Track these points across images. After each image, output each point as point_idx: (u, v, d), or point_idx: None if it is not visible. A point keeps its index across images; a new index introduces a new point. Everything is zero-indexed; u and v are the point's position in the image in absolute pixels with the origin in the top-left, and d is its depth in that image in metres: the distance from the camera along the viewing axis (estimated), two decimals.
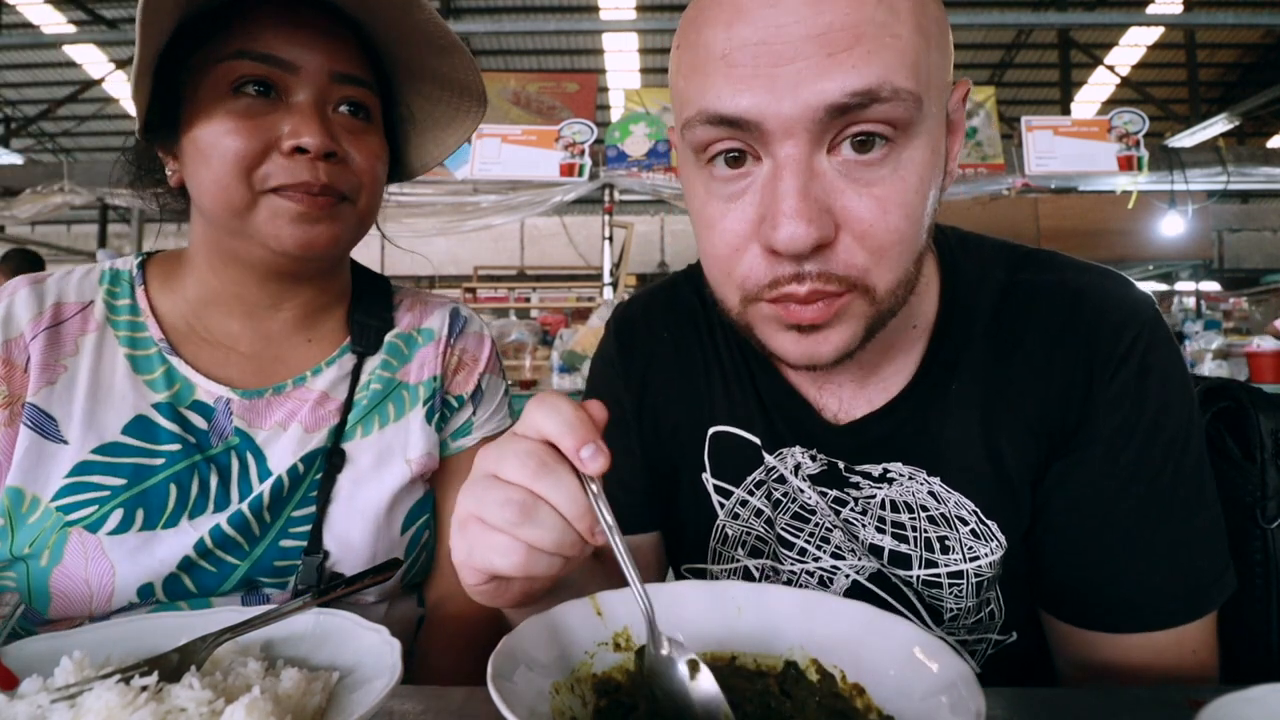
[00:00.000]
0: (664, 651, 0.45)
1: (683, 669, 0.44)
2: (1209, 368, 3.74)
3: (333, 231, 0.70)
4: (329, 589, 0.68)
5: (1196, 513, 0.60)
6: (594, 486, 0.45)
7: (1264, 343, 3.43)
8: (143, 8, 0.58)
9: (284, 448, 0.73)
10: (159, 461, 0.69)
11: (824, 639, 0.50)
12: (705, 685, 0.43)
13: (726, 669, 0.49)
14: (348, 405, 0.77)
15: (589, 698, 0.46)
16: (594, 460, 0.44)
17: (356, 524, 0.73)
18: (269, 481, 0.71)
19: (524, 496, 0.44)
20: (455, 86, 0.77)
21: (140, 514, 0.67)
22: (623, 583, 0.47)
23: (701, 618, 0.52)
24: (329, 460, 0.74)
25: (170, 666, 0.49)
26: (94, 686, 0.44)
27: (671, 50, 0.57)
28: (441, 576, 0.81)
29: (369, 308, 0.83)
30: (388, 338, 0.82)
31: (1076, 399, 0.60)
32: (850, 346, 0.55)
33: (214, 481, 0.70)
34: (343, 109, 0.70)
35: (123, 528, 0.66)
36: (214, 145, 0.65)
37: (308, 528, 0.71)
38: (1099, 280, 0.63)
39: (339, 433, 0.75)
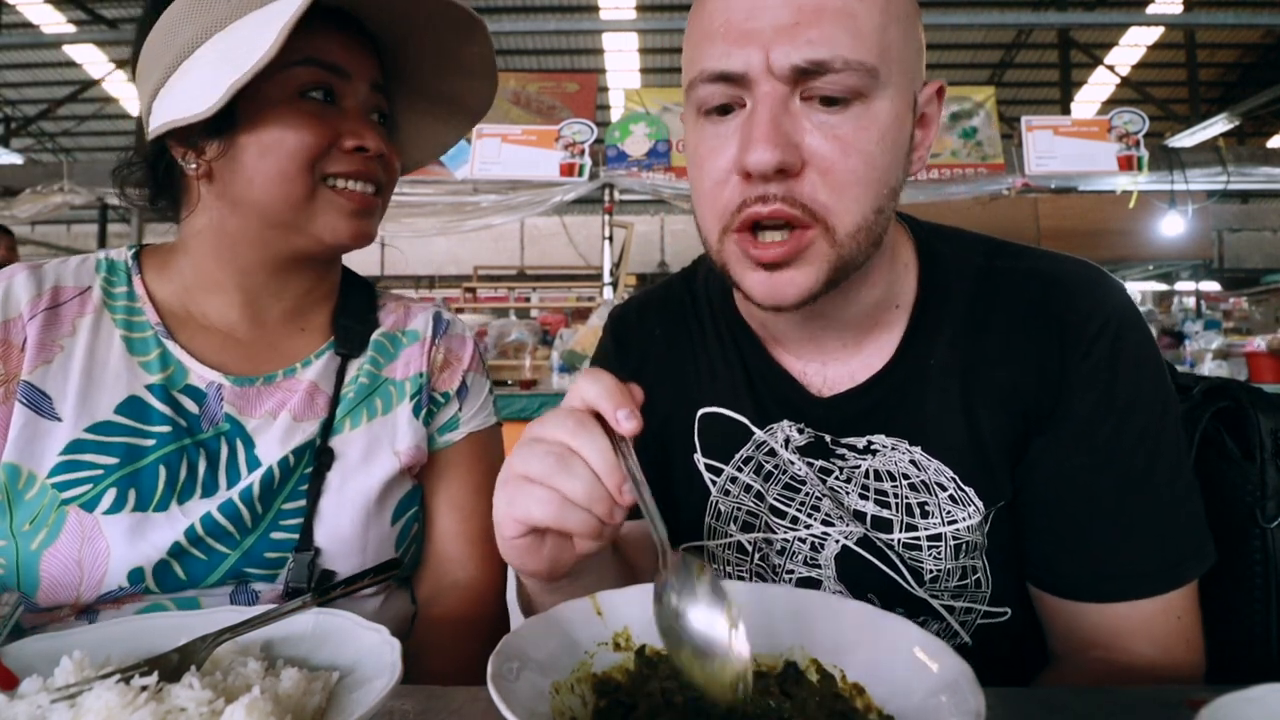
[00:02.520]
0: (673, 571, 0.47)
1: (690, 574, 0.46)
2: (1209, 368, 3.74)
3: (372, 225, 0.78)
4: (329, 589, 0.68)
5: (1173, 490, 0.62)
6: (625, 448, 0.49)
7: (1263, 342, 3.43)
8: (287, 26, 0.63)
9: (273, 436, 0.74)
10: (150, 443, 0.70)
11: (824, 639, 0.50)
12: (710, 585, 0.45)
13: None
14: (335, 399, 0.78)
15: (589, 698, 0.46)
16: (628, 421, 0.49)
17: (347, 515, 0.73)
18: (258, 472, 0.72)
19: (560, 449, 0.49)
20: (456, 104, 0.83)
21: (133, 494, 0.68)
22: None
23: None
24: (318, 458, 0.75)
25: (170, 666, 0.49)
26: (94, 686, 0.44)
27: (685, 32, 0.64)
28: (431, 573, 0.82)
29: (354, 311, 0.85)
30: (373, 337, 0.84)
31: (1051, 380, 0.64)
32: (813, 289, 0.60)
33: (202, 466, 0.71)
34: (374, 115, 0.77)
35: (116, 507, 0.67)
36: (281, 140, 0.70)
37: (298, 520, 0.72)
38: (1072, 268, 0.67)
39: (328, 427, 0.76)
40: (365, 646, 0.51)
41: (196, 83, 0.67)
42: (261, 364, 0.78)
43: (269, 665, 0.51)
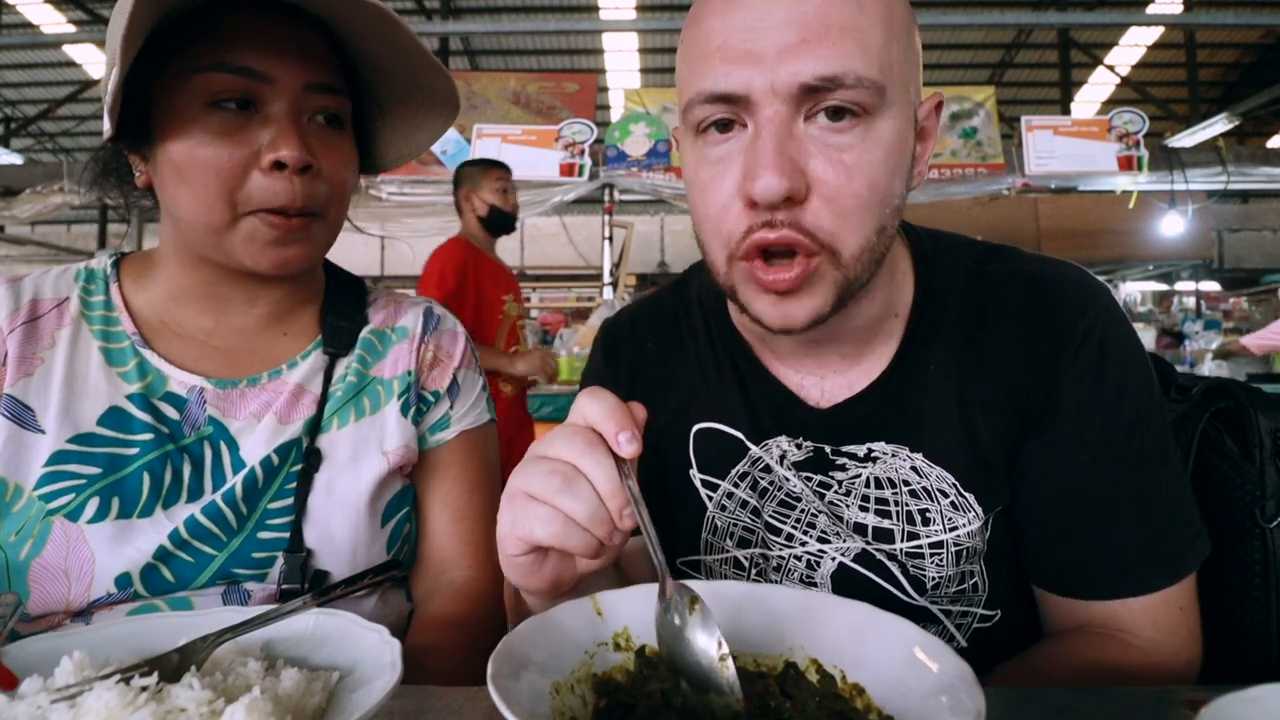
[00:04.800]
0: (671, 600, 0.47)
1: (684, 607, 0.46)
2: (1209, 368, 3.74)
3: (306, 250, 0.73)
4: (328, 590, 0.68)
5: (1164, 482, 0.63)
6: (627, 470, 0.49)
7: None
8: (129, 20, 0.58)
9: (258, 438, 0.73)
10: (133, 451, 0.70)
11: (824, 639, 0.50)
12: (702, 621, 0.45)
13: None
14: (323, 399, 0.77)
15: (589, 698, 0.46)
16: (629, 444, 0.49)
17: (336, 516, 0.73)
18: (242, 472, 0.71)
19: (566, 469, 0.49)
20: (428, 92, 0.77)
21: (116, 502, 0.68)
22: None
23: None
24: (306, 458, 0.74)
25: (170, 666, 0.49)
26: (94, 686, 0.44)
27: (678, 48, 0.63)
28: (427, 572, 0.81)
29: (341, 309, 0.83)
30: (361, 334, 0.82)
31: (1042, 377, 0.65)
32: (822, 312, 0.60)
33: (187, 470, 0.71)
34: (318, 118, 0.71)
35: (99, 516, 0.67)
36: (193, 163, 0.66)
37: (285, 520, 0.72)
38: (1058, 269, 0.68)
39: (315, 426, 0.76)
40: (365, 647, 0.51)
41: (108, 94, 0.65)
42: (243, 367, 0.77)
43: (269, 665, 0.51)
